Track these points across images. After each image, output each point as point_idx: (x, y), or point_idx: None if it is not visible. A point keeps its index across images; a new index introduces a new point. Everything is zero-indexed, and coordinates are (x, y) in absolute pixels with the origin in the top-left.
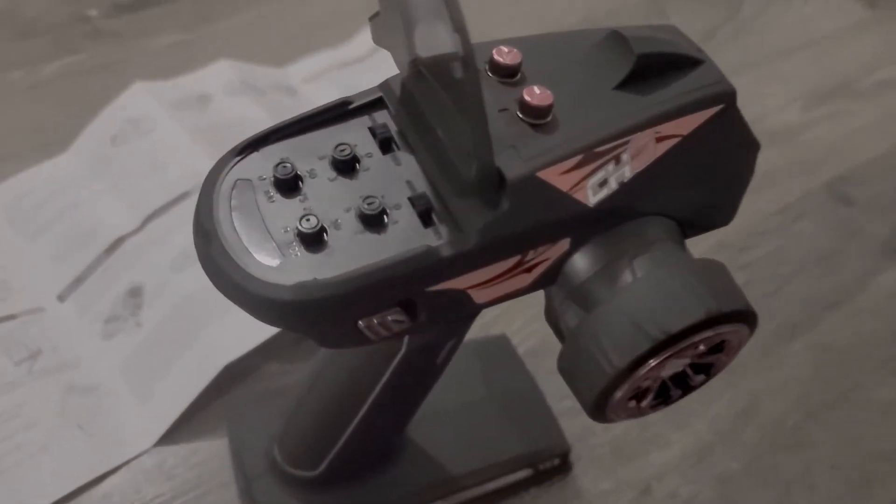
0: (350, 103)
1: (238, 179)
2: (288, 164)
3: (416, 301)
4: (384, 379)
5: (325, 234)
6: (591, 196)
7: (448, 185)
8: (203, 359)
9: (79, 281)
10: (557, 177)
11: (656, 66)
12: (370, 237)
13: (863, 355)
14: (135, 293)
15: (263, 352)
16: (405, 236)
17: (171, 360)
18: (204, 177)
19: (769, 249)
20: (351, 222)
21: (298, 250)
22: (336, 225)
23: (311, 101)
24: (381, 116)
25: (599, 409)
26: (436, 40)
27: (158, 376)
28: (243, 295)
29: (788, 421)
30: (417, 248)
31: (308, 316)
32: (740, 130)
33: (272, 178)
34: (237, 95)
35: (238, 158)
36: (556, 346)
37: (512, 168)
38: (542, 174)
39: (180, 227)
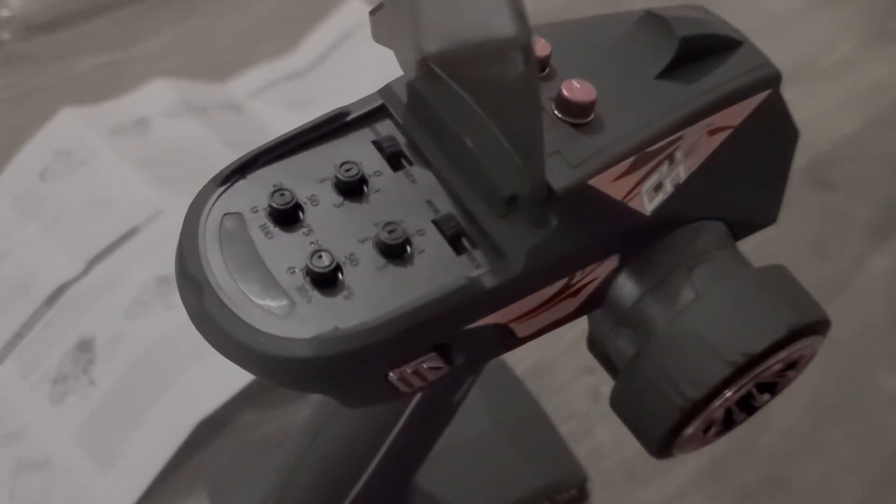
0: (347, 114)
1: (226, 214)
2: (286, 192)
3: (454, 343)
4: (398, 427)
5: (340, 273)
6: (647, 203)
7: (480, 203)
8: (172, 416)
9: (17, 338)
10: (610, 184)
11: (698, 49)
12: (395, 272)
13: (867, 346)
14: (85, 347)
15: (237, 400)
16: (436, 267)
17: (135, 422)
18: (152, 209)
19: (759, 240)
20: (369, 255)
21: (311, 294)
22: (352, 260)
23: (260, 117)
24: (385, 127)
25: (666, 447)
26: (488, 24)
27: (121, 441)
28: (250, 355)
29: (802, 425)
30: (456, 282)
31: (332, 374)
32: (784, 117)
33: (268, 209)
34: (179, 117)
35: (222, 189)
36: (556, 363)
37: (559, 177)
38: (594, 182)
39: (131, 269)
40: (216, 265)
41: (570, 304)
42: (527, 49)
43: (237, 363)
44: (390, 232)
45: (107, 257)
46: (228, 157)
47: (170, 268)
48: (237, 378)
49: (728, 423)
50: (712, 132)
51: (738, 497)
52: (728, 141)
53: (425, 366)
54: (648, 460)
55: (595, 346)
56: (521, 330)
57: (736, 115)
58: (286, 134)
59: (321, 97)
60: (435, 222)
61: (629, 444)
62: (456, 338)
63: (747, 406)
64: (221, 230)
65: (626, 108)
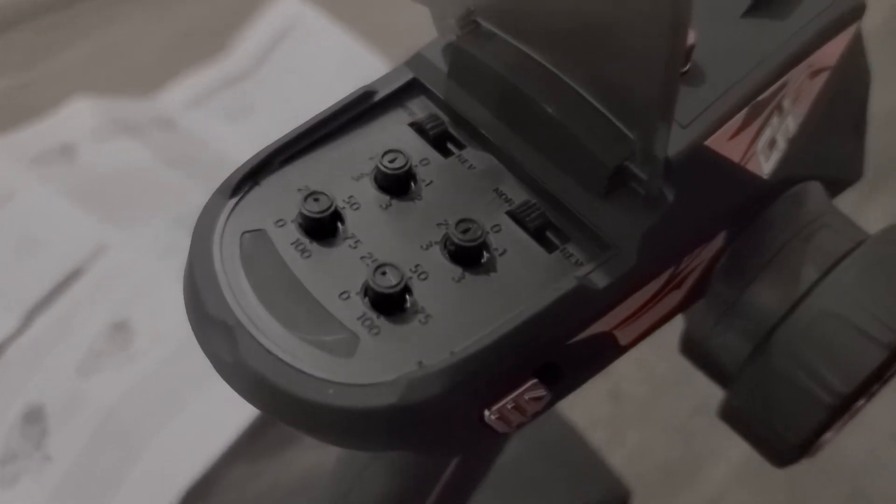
0: (374, 93)
1: (244, 232)
2: (319, 196)
3: (560, 364)
4: (448, 472)
5: (408, 292)
6: (764, 164)
7: (567, 184)
8: (151, 488)
9: None
10: (726, 143)
11: None
12: (476, 282)
13: None
14: (34, 417)
15: (224, 455)
16: (526, 271)
17: (107, 500)
18: (93, 245)
19: None
20: (439, 265)
21: (378, 323)
22: (419, 273)
23: (199, 130)
24: (421, 105)
25: (801, 453)
26: None
27: None
28: (316, 412)
29: None
30: (562, 286)
31: (422, 423)
32: (864, 55)
33: (298, 221)
34: (109, 139)
35: (234, 201)
36: None
37: (671, 141)
38: (711, 143)
39: (79, 317)
40: (246, 300)
41: (674, 298)
42: None
43: (297, 426)
44: (464, 231)
45: (48, 307)
46: (172, 178)
47: (126, 311)
48: (222, 430)
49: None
50: (814, 74)
51: (785, 487)
52: (827, 84)
53: (527, 397)
54: (683, 460)
55: (694, 347)
56: (623, 336)
57: (833, 51)
58: (304, 124)
59: (265, 102)
60: (511, 214)
61: (659, 445)
62: (561, 357)
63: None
64: (242, 254)
65: (721, 52)
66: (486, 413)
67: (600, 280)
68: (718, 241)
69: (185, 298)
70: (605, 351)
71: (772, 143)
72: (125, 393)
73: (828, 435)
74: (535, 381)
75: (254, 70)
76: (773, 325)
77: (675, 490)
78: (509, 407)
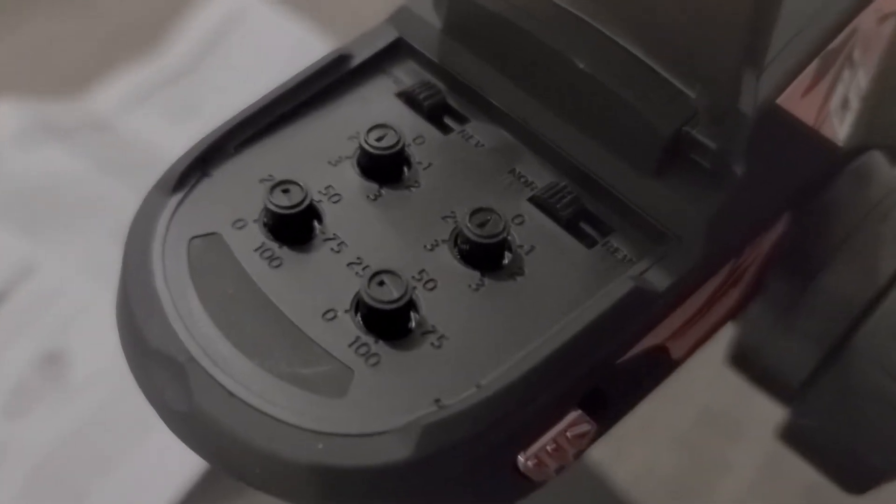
0: (351, 57)
1: (193, 238)
2: (290, 186)
3: (607, 389)
4: None
5: (415, 307)
6: (838, 127)
7: (607, 159)
8: None
9: None
10: (799, 102)
11: None
12: (499, 289)
13: None
14: None
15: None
16: (562, 272)
17: None
18: (19, 267)
19: None
20: (449, 269)
21: (376, 350)
22: (424, 281)
23: (139, 133)
24: (409, 72)
25: (888, 479)
26: None
27: None
28: (299, 474)
29: None
30: (616, 290)
31: (444, 477)
32: None
33: (263, 220)
34: (36, 145)
35: (179, 197)
36: None
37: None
38: (784, 101)
39: (4, 349)
40: (198, 327)
41: (730, 299)
42: None
43: (273, 492)
44: (481, 225)
45: None
46: (108, 187)
47: (58, 340)
48: (172, 479)
49: None
50: (882, 19)
51: (803, 495)
52: (894, 32)
53: (569, 434)
54: (691, 472)
55: (748, 358)
56: (676, 348)
57: None
58: (264, 97)
59: (210, 100)
60: (536, 201)
61: (665, 460)
62: (609, 380)
63: None
64: (191, 266)
65: None
66: (521, 459)
67: (660, 280)
68: (780, 227)
69: (119, 328)
70: (657, 368)
71: (845, 103)
72: (60, 438)
73: None
74: (578, 412)
75: (196, 66)
76: (849, 324)
77: None
78: (549, 449)
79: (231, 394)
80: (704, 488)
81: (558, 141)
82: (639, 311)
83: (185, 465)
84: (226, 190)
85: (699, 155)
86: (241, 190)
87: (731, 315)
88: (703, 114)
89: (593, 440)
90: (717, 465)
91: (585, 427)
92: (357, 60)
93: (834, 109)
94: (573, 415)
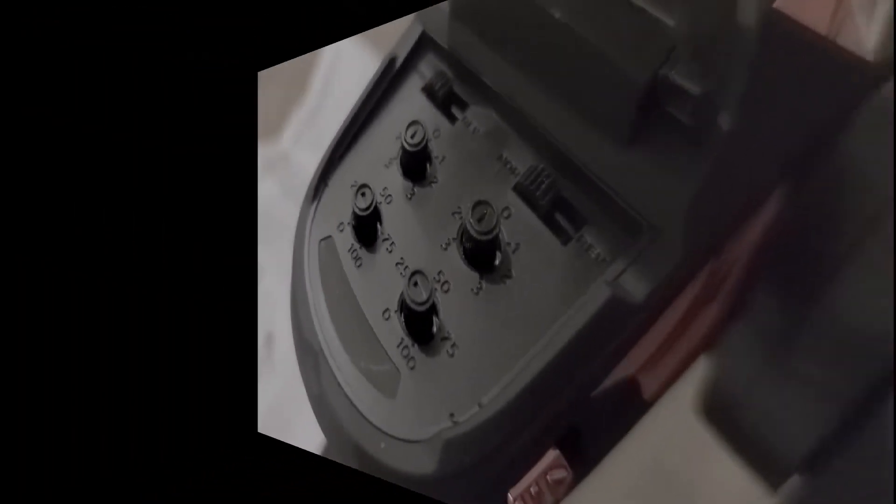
0: (395, 60)
1: (321, 240)
2: (366, 190)
3: (582, 425)
4: None
5: (436, 312)
6: (864, 30)
7: (584, 130)
8: None
9: None
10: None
11: None
12: (493, 294)
13: None
14: None
15: None
16: (542, 274)
17: None
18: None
19: None
20: (458, 271)
21: (412, 354)
22: (442, 282)
23: (306, 164)
24: (429, 63)
25: None
26: None
27: None
28: (372, 463)
29: None
30: (590, 303)
31: (465, 484)
32: None
33: (352, 223)
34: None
35: (315, 204)
36: None
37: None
38: (784, 3)
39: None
40: (324, 320)
41: (706, 317)
42: None
43: (366, 470)
44: (480, 219)
45: None
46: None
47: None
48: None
49: None
50: None
51: None
52: None
53: (549, 478)
54: None
55: (723, 410)
56: (647, 382)
57: None
58: (351, 111)
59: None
60: (519, 190)
61: None
62: (584, 413)
63: None
64: (321, 265)
65: None
66: (510, 499)
67: (637, 286)
68: (773, 206)
69: (291, 319)
70: (629, 406)
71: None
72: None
73: None
74: (557, 452)
75: (321, 105)
76: (881, 367)
77: None
78: (532, 492)
79: (339, 384)
80: None
81: (541, 118)
82: (611, 325)
83: None
84: (336, 196)
85: (679, 108)
86: (343, 195)
87: (708, 343)
88: (684, 45)
89: (570, 488)
90: None
91: (562, 474)
92: (399, 62)
93: (858, 4)
94: (553, 455)
